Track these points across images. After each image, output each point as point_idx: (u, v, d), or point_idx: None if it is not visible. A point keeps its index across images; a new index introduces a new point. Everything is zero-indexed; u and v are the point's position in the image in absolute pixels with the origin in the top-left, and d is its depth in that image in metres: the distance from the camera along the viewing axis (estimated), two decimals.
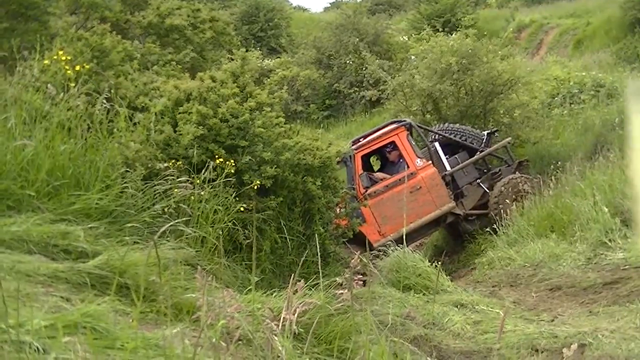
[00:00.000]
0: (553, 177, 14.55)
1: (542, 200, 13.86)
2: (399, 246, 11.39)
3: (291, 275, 8.81)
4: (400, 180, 14.84)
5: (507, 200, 15.01)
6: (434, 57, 19.62)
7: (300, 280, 4.11)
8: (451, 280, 11.74)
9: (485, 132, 16.99)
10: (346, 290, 3.85)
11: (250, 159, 9.05)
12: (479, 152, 16.37)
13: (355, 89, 32.90)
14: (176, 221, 5.90)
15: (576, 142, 18.10)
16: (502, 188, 15.45)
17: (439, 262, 11.17)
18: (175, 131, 9.08)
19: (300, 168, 9.65)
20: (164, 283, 4.81)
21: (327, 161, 10.00)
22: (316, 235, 9.47)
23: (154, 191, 7.52)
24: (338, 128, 30.57)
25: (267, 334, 3.40)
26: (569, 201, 12.75)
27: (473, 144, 16.58)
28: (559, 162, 15.56)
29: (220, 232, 7.93)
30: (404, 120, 16.01)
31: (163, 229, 3.64)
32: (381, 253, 11.33)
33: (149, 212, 7.22)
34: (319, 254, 6.18)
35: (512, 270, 11.83)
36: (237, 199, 8.55)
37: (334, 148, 10.48)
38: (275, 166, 9.17)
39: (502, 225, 14.01)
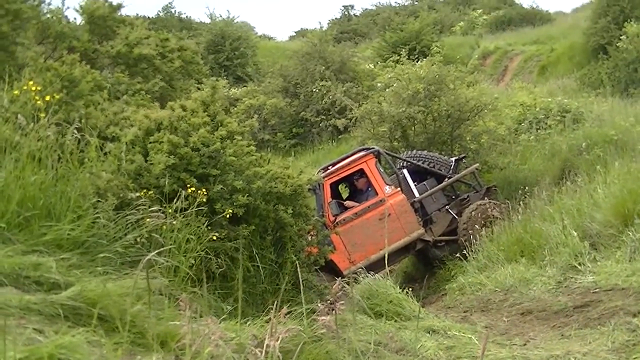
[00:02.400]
0: (521, 202, 14.66)
1: (511, 225, 13.94)
2: (369, 274, 11.41)
3: (264, 303, 8.82)
4: (369, 207, 14.91)
5: (476, 226, 15.09)
6: (401, 84, 19.76)
7: (282, 306, 4.10)
8: (422, 307, 11.77)
9: (453, 159, 17.12)
10: (328, 316, 3.84)
11: (221, 188, 9.01)
12: (447, 179, 16.49)
13: (322, 117, 32.96)
14: (153, 253, 5.86)
15: (543, 167, 18.24)
16: (471, 214, 15.54)
17: (410, 289, 11.15)
18: (146, 161, 9.03)
19: (272, 196, 9.62)
20: (146, 313, 4.77)
21: (298, 189, 9.99)
22: (289, 262, 9.46)
23: (126, 221, 7.47)
24: (305, 156, 30.63)
25: None
26: (537, 226, 12.83)
27: (441, 170, 16.71)
28: (527, 187, 15.69)
29: (193, 261, 7.88)
30: (372, 148, 16.10)
31: (145, 259, 3.61)
32: (351, 280, 11.34)
33: (121, 242, 7.16)
34: (300, 281, 6.14)
35: (483, 296, 11.87)
36: (209, 227, 8.51)
37: (304, 176, 10.47)
38: (247, 194, 9.13)
39: (472, 251, 14.09)
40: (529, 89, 26.29)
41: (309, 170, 12.92)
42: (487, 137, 18.71)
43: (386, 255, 14.26)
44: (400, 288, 10.99)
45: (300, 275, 6.70)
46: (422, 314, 10.70)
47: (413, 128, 19.56)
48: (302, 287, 7.64)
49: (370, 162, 15.37)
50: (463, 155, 17.79)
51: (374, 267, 13.38)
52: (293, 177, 10.10)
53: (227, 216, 8.93)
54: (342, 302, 4.01)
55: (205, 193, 8.70)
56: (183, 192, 8.42)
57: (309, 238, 10.74)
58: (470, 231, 15.16)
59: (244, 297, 9.02)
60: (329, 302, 3.95)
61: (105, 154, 8.63)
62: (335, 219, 14.59)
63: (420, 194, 15.94)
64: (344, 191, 17.37)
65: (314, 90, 33.67)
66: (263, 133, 32.59)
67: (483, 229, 14.82)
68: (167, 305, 5.59)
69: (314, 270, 10.90)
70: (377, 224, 14.83)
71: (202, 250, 8.16)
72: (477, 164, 17.26)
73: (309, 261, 10.59)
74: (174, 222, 7.88)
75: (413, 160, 16.80)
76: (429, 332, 9.48)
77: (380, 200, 15.05)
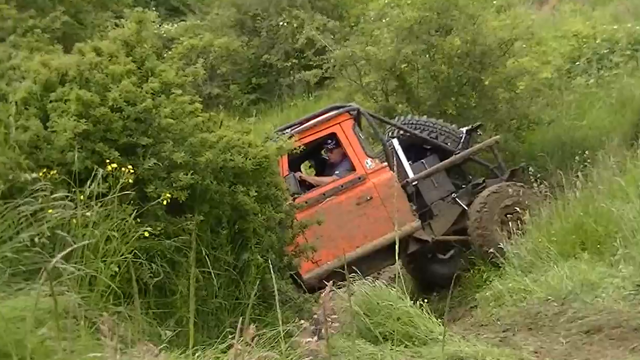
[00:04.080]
0: (579, 173, 14.55)
1: (567, 206, 13.84)
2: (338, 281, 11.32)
3: (219, 325, 8.74)
4: (342, 186, 14.65)
5: (494, 221, 14.94)
6: (394, 12, 19.39)
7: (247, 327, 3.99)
8: (443, 325, 11.71)
9: (464, 129, 16.86)
10: (315, 339, 3.74)
11: (155, 163, 8.91)
12: (454, 156, 16.24)
13: (294, 61, 32.71)
14: (58, 258, 5.79)
15: (610, 122, 18.18)
16: (485, 201, 15.29)
17: (425, 300, 11.10)
18: (46, 127, 8.93)
19: (227, 173, 9.53)
20: (52, 343, 4.69)
21: (263, 162, 9.89)
22: (253, 266, 9.38)
23: (18, 213, 7.39)
24: (271, 116, 30.30)
25: None
26: (604, 206, 12.78)
27: (447, 143, 16.44)
28: (587, 152, 15.63)
29: (117, 269, 7.80)
30: (349, 106, 15.82)
31: (49, 267, 3.52)
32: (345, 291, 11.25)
33: (12, 245, 7.09)
34: (275, 291, 6.05)
35: (530, 307, 11.82)
36: (139, 220, 8.43)
37: (272, 144, 10.37)
38: (192, 172, 9.04)
39: (511, 244, 14.00)
40: (585, 13, 26.17)
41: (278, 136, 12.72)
42: (526, 81, 18.51)
43: (364, 256, 14.16)
44: (411, 299, 10.95)
45: (274, 284, 6.58)
46: (444, 335, 10.66)
47: (415, 75, 19.34)
48: (263, 302, 7.57)
49: (345, 125, 15.16)
50: (478, 124, 17.51)
51: (349, 272, 13.17)
52: (256, 145, 10.01)
53: (165, 203, 8.83)
54: (333, 319, 3.89)
55: (132, 171, 8.59)
56: (100, 170, 8.32)
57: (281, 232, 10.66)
58: (485, 231, 15.01)
59: (189, 317, 8.92)
60: (315, 319, 3.84)
61: None
62: (294, 201, 14.00)
63: (416, 175, 15.74)
64: (310, 173, 17.32)
65: (281, 24, 33.42)
66: (210, 85, 32.27)
67: (503, 226, 14.74)
68: (82, 331, 5.51)
69: (289, 276, 10.82)
70: (352, 210, 14.66)
71: (130, 253, 8.09)
72: (498, 137, 17.03)
73: (282, 264, 10.53)
74: (88, 214, 7.80)
75: (408, 128, 16.51)
76: None
77: (359, 178, 14.88)
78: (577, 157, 15.62)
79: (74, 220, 7.67)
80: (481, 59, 18.63)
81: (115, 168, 8.52)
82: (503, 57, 18.74)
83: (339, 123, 15.18)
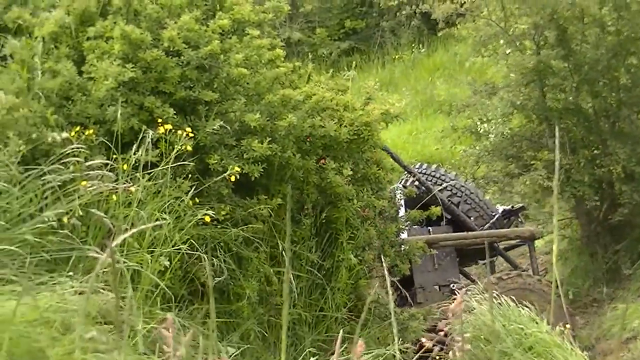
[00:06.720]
0: None
1: None
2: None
3: (295, 344, 8.75)
4: None
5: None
6: None
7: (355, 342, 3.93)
8: None
9: (501, 208, 16.65)
10: None
11: (221, 126, 8.90)
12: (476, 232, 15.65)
13: None
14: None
15: None
16: None
17: (563, 324, 11.00)
18: (80, 73, 8.96)
19: (315, 144, 9.49)
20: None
21: (363, 131, 9.83)
22: (344, 269, 9.34)
23: (43, 184, 7.43)
24: (368, 72, 30.17)
25: None
26: None
27: (470, 217, 16.12)
28: None
29: (168, 263, 7.81)
30: None
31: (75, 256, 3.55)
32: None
33: (34, 225, 7.12)
34: (391, 299, 6.03)
35: None
36: (198, 200, 8.43)
37: (376, 107, 10.31)
38: (269, 139, 9.01)
39: None
40: None
41: (384, 96, 12.56)
42: None
43: None
44: (548, 323, 10.87)
45: (389, 289, 6.52)
46: None
47: (580, 27, 18.94)
48: (357, 315, 7.51)
49: None
50: (521, 205, 17.36)
51: None
52: (354, 109, 9.95)
53: (232, 179, 8.80)
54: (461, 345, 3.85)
55: (191, 135, 8.59)
56: (150, 132, 8.33)
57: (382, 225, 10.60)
58: None
59: (259, 331, 8.91)
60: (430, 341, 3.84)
61: (2, 59, 8.59)
62: None
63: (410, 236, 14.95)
64: None
65: None
66: (290, 28, 32.20)
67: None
68: (125, 341, 5.54)
69: (393, 283, 10.77)
70: None
71: (184, 243, 8.08)
72: (537, 229, 16.53)
73: (381, 266, 10.50)
74: (132, 189, 7.82)
75: (425, 179, 15.99)
76: None
77: None
78: None
79: (114, 197, 7.69)
80: None
81: (170, 130, 8.52)
82: None
83: None
